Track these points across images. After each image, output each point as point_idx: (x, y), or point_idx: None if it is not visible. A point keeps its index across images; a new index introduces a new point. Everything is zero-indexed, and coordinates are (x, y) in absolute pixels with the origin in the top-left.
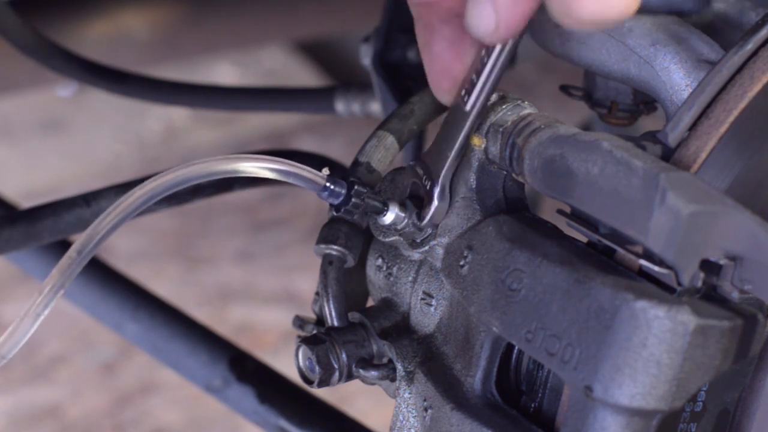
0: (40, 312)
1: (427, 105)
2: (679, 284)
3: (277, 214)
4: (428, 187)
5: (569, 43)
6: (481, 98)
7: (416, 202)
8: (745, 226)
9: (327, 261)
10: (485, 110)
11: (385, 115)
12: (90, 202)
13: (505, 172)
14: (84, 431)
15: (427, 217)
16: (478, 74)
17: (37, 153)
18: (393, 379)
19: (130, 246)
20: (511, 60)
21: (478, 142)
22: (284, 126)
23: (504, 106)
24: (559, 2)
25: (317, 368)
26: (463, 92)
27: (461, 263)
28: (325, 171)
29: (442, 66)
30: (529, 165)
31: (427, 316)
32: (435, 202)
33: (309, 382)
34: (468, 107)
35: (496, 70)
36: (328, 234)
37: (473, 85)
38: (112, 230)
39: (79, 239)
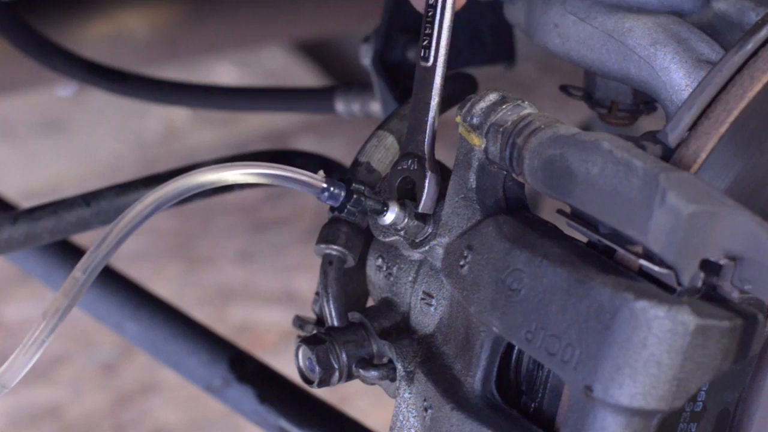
0: (44, 339)
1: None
2: (679, 284)
3: (277, 214)
4: (416, 167)
5: (569, 43)
6: (442, 47)
7: (409, 195)
8: (745, 226)
9: (327, 261)
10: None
11: (385, 115)
12: (90, 202)
13: (505, 172)
14: (84, 431)
15: (423, 197)
16: (431, 24)
17: (37, 153)
18: (393, 379)
19: (130, 246)
20: (511, 60)
21: (477, 141)
22: (284, 126)
23: (504, 106)
24: None
25: (317, 368)
26: (421, 51)
27: (461, 263)
28: (321, 173)
29: None
30: (529, 165)
31: (427, 316)
32: (427, 176)
33: (309, 382)
34: (430, 62)
35: (447, 14)
36: (328, 234)
37: (429, 37)
38: (115, 248)
39: (81, 261)
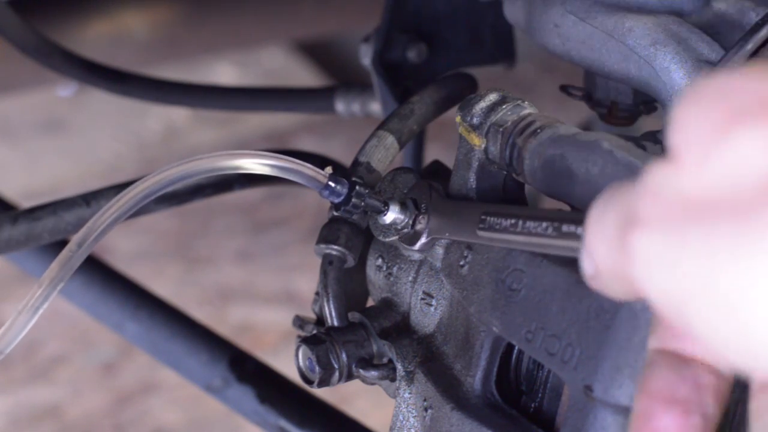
0: (38, 305)
1: (427, 105)
2: None
3: (277, 214)
4: (419, 217)
5: (570, 43)
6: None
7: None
8: None
9: (327, 261)
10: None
11: (385, 115)
12: (90, 202)
13: (505, 172)
14: (84, 431)
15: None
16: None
17: (37, 153)
18: (393, 379)
19: (130, 246)
20: (511, 60)
21: (477, 141)
22: (284, 126)
23: (504, 106)
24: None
25: (317, 368)
26: (486, 223)
27: (461, 263)
28: (328, 170)
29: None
30: (529, 165)
31: (427, 316)
32: (416, 246)
33: (309, 382)
34: (480, 234)
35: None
36: (328, 234)
37: (502, 228)
38: (112, 224)
39: (79, 233)
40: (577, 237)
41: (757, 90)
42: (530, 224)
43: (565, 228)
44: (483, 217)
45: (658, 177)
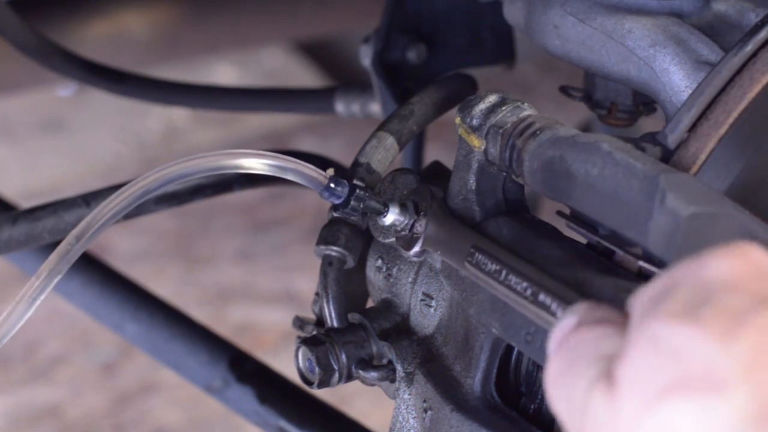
0: (36, 296)
1: (427, 106)
2: None
3: (277, 214)
4: (417, 222)
5: (569, 44)
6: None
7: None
8: (744, 227)
9: (327, 262)
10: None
11: (384, 116)
12: (90, 202)
13: (504, 174)
14: (84, 431)
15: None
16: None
17: (37, 153)
18: (393, 380)
19: (130, 246)
20: (511, 60)
21: (477, 143)
22: (284, 126)
23: (504, 108)
24: None
25: (317, 369)
26: (474, 258)
27: None
28: (330, 171)
29: None
30: (529, 166)
31: (426, 317)
32: (411, 252)
33: (309, 383)
34: (466, 266)
35: None
36: (328, 235)
37: (486, 271)
38: (111, 219)
39: (78, 226)
40: (551, 312)
41: (706, 358)
42: (512, 279)
43: (541, 297)
44: (472, 251)
45: (599, 405)
